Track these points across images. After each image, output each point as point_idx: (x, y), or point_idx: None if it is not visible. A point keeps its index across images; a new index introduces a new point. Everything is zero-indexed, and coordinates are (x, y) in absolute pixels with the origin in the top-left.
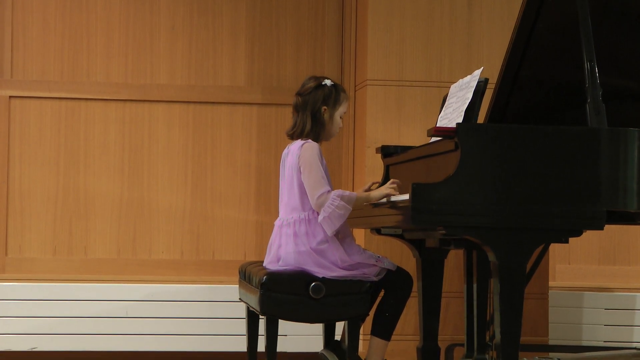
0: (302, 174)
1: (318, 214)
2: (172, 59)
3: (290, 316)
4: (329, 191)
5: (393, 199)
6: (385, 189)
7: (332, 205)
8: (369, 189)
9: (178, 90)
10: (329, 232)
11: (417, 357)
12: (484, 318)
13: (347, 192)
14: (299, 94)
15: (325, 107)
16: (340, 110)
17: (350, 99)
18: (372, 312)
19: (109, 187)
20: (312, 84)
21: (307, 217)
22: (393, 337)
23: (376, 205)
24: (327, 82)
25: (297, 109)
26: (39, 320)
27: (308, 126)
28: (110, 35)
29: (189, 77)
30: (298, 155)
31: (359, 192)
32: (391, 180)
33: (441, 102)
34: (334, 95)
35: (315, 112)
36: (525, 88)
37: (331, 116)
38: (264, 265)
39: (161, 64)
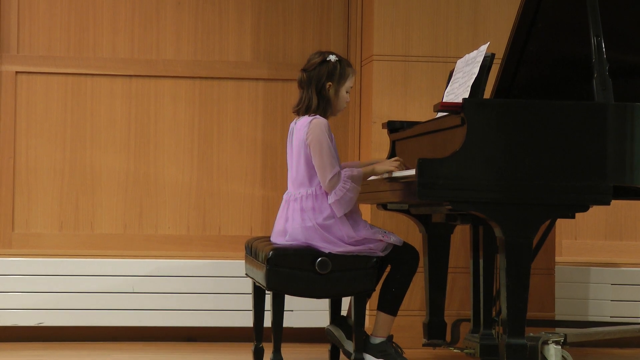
0: (312, 153)
1: (327, 192)
2: (178, 34)
3: (296, 291)
4: (339, 172)
5: (399, 174)
6: (389, 165)
7: (344, 188)
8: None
9: (184, 66)
10: (339, 214)
11: (423, 332)
12: (491, 293)
13: (356, 171)
14: (303, 69)
15: (330, 83)
16: (347, 85)
17: (356, 73)
18: (378, 288)
19: (115, 162)
20: (316, 59)
21: (314, 193)
22: (399, 312)
23: (382, 180)
24: (332, 57)
25: (302, 85)
26: (45, 295)
27: (314, 103)
28: (117, 10)
29: (195, 53)
30: (306, 132)
31: (364, 168)
32: (395, 158)
33: (447, 78)
34: (339, 70)
35: (320, 88)
36: (532, 63)
37: (337, 91)
38: (270, 238)
39: (167, 39)
